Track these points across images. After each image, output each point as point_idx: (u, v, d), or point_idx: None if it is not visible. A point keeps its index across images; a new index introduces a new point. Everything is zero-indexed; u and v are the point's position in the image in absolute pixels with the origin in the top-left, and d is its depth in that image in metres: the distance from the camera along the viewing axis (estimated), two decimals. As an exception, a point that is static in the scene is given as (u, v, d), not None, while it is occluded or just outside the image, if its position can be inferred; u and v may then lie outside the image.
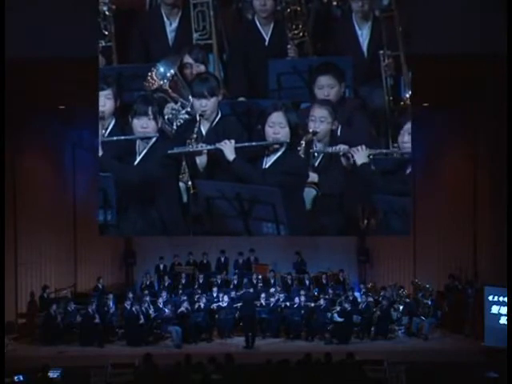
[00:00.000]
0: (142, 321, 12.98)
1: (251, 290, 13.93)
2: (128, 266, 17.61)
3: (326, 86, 8.99)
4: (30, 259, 14.79)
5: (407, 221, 8.17)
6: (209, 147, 8.22)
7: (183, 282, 15.18)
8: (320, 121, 8.45)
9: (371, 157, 8.18)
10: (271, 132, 8.01)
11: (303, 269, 16.08)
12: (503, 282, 11.97)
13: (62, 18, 11.21)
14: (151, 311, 13.30)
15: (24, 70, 11.79)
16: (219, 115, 8.67)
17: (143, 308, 13.23)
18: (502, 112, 12.09)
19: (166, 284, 15.14)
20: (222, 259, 16.29)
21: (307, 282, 15.32)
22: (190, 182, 8.43)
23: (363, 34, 10.03)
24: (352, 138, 8.53)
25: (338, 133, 8.74)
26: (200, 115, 8.51)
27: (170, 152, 8.16)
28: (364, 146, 8.21)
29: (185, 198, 8.50)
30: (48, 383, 9.22)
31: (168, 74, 9.49)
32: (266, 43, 10.08)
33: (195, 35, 10.16)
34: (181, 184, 8.52)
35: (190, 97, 8.97)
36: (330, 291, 14.42)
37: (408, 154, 8.34)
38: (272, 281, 15.19)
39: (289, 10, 9.95)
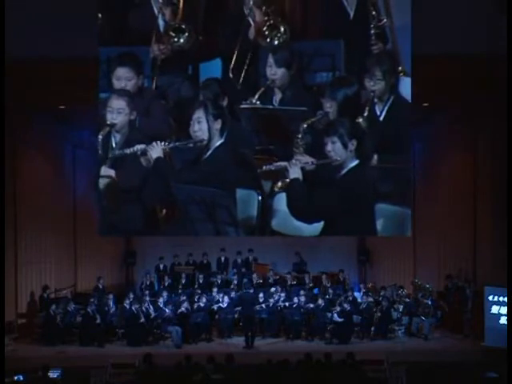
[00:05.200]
0: (142, 320, 12.99)
1: (251, 291, 13.93)
2: (128, 266, 17.60)
3: (124, 78, 8.92)
4: (29, 259, 14.78)
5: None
6: None
7: (183, 282, 15.19)
8: (118, 112, 8.34)
9: (167, 150, 8.10)
10: None
11: (303, 269, 16.07)
12: (503, 281, 11.98)
13: (62, 18, 11.21)
14: (151, 311, 13.31)
15: (24, 69, 11.79)
16: None
17: (143, 308, 13.25)
18: (501, 112, 12.09)
19: (166, 284, 15.14)
20: (222, 259, 16.29)
21: (307, 282, 15.33)
22: None
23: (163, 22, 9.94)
24: (150, 128, 8.49)
25: (137, 123, 8.63)
26: None
27: None
28: (159, 142, 8.12)
29: None
30: (48, 383, 9.23)
31: None
32: None
33: None
34: None
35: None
36: (330, 291, 14.42)
37: (200, 142, 8.14)
38: (272, 281, 15.20)
39: None
